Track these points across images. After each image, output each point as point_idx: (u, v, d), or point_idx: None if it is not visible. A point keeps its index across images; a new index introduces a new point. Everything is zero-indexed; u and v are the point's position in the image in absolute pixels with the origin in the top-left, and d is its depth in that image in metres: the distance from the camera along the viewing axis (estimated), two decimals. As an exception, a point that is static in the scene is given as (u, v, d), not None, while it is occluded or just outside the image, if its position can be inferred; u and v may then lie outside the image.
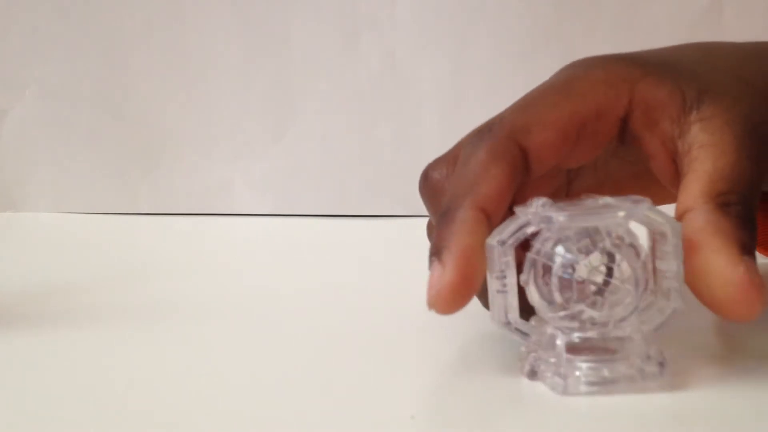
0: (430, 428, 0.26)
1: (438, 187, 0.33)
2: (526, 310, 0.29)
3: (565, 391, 0.27)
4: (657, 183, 0.33)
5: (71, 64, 0.61)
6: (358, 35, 0.61)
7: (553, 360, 0.28)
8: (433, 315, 0.36)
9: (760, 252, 0.46)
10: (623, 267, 0.27)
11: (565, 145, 0.31)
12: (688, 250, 0.28)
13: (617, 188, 0.34)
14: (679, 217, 0.29)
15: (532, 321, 0.29)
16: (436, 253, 0.29)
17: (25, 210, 0.62)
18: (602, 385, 0.27)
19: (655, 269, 0.28)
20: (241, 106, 0.62)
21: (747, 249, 0.28)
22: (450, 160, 0.33)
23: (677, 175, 0.31)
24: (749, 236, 0.28)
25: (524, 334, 0.28)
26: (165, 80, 0.61)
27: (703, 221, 0.28)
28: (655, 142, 0.31)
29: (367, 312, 0.38)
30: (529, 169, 0.31)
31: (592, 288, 0.27)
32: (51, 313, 0.36)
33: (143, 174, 0.62)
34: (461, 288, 0.28)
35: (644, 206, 0.28)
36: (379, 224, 0.60)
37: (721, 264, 0.27)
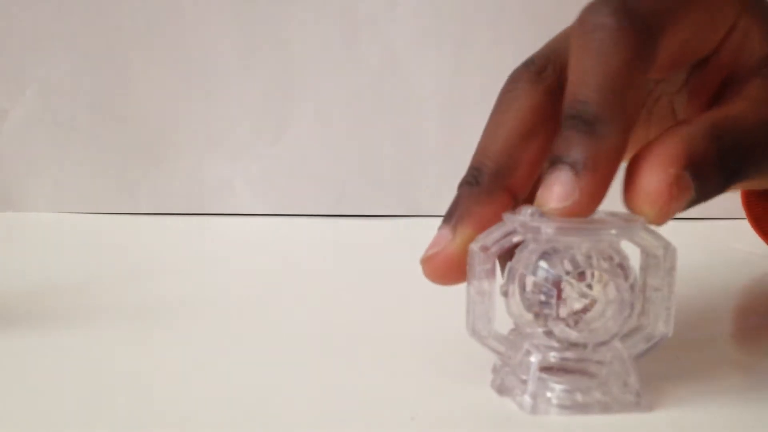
0: (431, 430, 0.26)
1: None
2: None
3: (533, 411, 0.26)
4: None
5: (71, 64, 0.61)
6: (358, 35, 0.61)
7: (524, 377, 0.26)
8: (433, 314, 0.36)
9: None
10: (609, 288, 0.26)
11: (690, 49, 0.29)
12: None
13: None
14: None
15: (510, 335, 0.27)
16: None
17: (25, 210, 0.62)
18: (573, 409, 0.26)
19: (645, 292, 0.27)
20: (240, 106, 0.62)
21: (691, 167, 0.26)
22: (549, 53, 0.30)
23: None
24: (716, 173, 0.27)
25: (497, 347, 0.27)
26: (165, 80, 0.61)
27: (684, 130, 0.27)
28: (714, 80, 0.30)
29: (366, 312, 0.38)
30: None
31: (575, 307, 0.26)
32: (51, 313, 0.36)
33: (143, 174, 0.62)
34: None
35: (638, 226, 0.26)
36: (379, 224, 0.60)
37: (654, 167, 0.26)
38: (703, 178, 0.26)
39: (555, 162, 0.26)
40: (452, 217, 0.29)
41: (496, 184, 0.28)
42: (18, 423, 0.26)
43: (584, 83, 0.27)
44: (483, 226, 0.28)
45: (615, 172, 0.26)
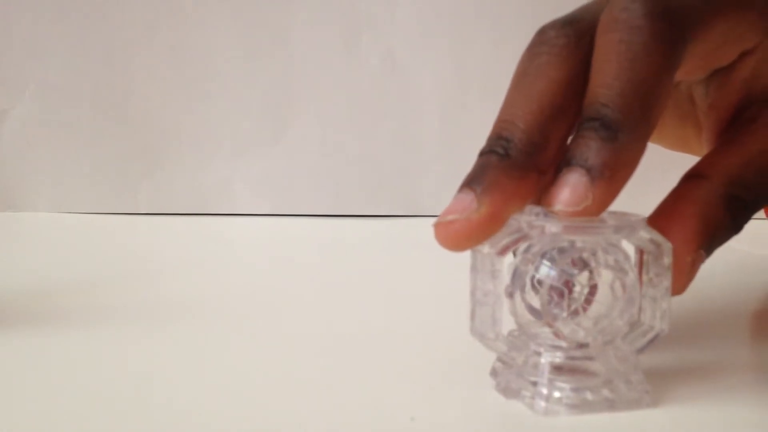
0: (431, 430, 0.26)
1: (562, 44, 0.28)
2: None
3: (545, 413, 0.25)
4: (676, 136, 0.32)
5: (71, 64, 0.61)
6: (358, 35, 0.61)
7: (533, 379, 0.26)
8: (434, 315, 0.36)
9: None
10: (616, 286, 0.26)
11: (714, 57, 0.28)
12: (668, 213, 0.28)
13: None
14: (689, 175, 0.28)
15: (509, 335, 0.27)
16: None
17: (25, 210, 0.62)
18: (582, 408, 0.26)
19: (642, 289, 0.27)
20: (241, 106, 0.62)
21: (707, 242, 0.28)
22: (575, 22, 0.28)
23: (718, 133, 0.30)
24: (728, 233, 0.28)
25: (502, 349, 0.27)
26: (165, 80, 0.61)
27: (699, 200, 0.28)
28: (732, 97, 0.30)
29: (366, 312, 0.38)
30: None
31: (582, 306, 0.26)
32: (51, 312, 0.36)
33: (143, 174, 0.62)
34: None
35: (640, 225, 0.26)
36: (378, 224, 0.60)
37: (678, 249, 0.27)
38: (716, 243, 0.28)
39: (570, 163, 0.26)
40: (478, 183, 0.27)
41: (530, 162, 0.27)
42: (18, 423, 0.26)
43: (609, 85, 0.26)
44: (510, 201, 0.26)
45: (629, 179, 0.26)
